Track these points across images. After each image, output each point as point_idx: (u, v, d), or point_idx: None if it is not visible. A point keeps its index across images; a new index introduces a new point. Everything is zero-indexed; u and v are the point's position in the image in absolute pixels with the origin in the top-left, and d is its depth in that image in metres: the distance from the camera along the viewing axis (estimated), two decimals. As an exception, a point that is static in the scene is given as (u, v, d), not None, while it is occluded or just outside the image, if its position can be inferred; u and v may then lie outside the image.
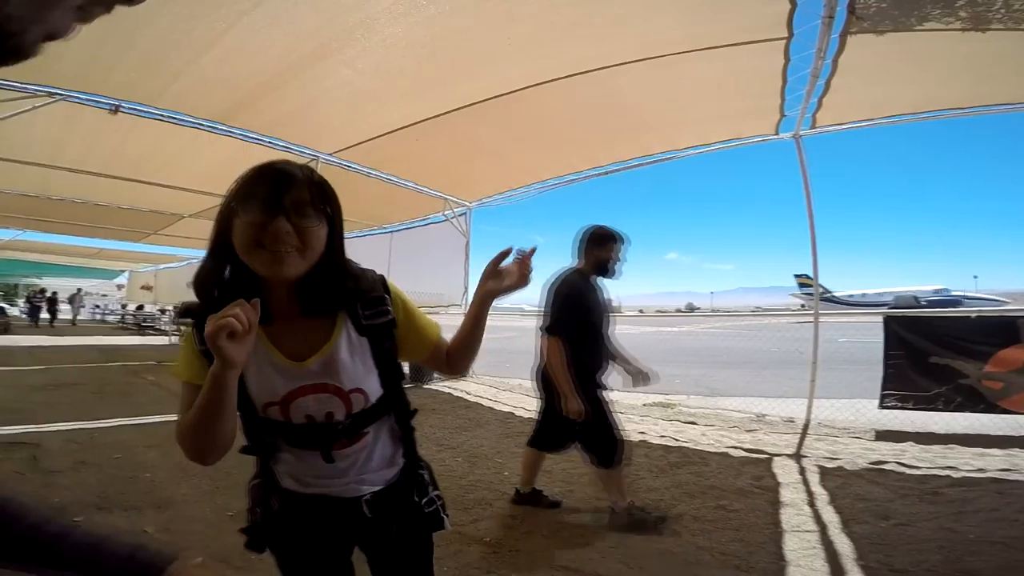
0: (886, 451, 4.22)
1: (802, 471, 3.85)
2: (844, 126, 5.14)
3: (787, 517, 3.06)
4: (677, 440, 4.76)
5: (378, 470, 1.09)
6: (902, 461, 3.97)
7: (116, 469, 3.70)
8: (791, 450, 4.35)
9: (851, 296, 49.24)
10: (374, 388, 1.04)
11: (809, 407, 5.10)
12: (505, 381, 7.86)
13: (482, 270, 1.11)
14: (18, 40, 0.34)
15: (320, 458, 1.03)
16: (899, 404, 4.64)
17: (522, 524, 3.01)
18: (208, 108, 5.05)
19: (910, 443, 4.39)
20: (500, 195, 8.37)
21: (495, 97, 4.69)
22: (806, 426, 4.97)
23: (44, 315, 22.49)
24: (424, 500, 1.14)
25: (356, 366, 1.01)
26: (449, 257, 9.06)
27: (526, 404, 6.50)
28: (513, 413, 5.99)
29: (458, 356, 1.15)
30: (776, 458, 4.15)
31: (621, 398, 6.80)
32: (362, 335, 1.03)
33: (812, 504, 3.24)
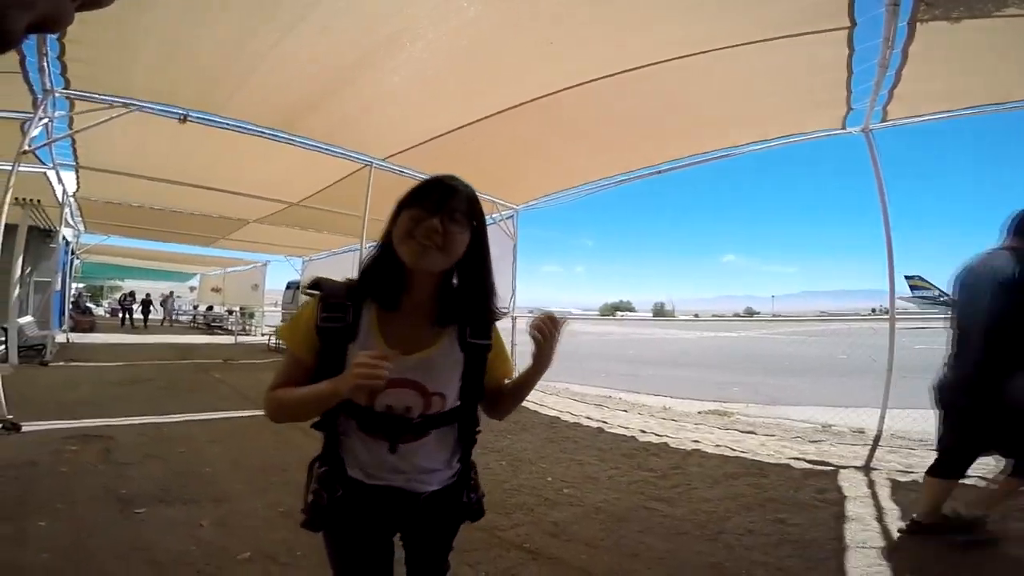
0: (966, 464, 3.86)
1: (871, 484, 3.59)
2: (920, 118, 4.77)
3: (852, 532, 2.85)
4: (734, 450, 4.54)
5: (436, 470, 1.17)
6: (985, 476, 3.61)
7: (179, 463, 3.88)
8: (860, 462, 4.06)
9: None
10: (453, 397, 1.15)
11: (882, 417, 4.72)
12: (551, 385, 7.79)
13: (530, 325, 1.13)
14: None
15: (386, 448, 1.11)
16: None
17: (563, 532, 2.93)
18: (269, 117, 5.31)
19: (995, 456, 3.98)
20: (548, 197, 8.32)
21: (541, 97, 4.66)
22: (878, 437, 4.61)
23: (138, 316, 23.71)
24: (473, 498, 1.26)
25: (446, 374, 1.13)
26: (497, 259, 9.05)
27: (572, 408, 6.41)
28: (559, 418, 5.91)
29: (504, 405, 1.27)
30: (843, 470, 3.88)
31: (673, 405, 6.60)
32: (462, 351, 1.15)
33: (881, 519, 3.01)
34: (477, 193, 1.15)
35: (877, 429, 4.71)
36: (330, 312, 1.09)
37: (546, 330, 1.09)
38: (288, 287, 18.55)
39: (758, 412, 6.11)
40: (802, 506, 3.24)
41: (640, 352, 13.55)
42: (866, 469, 3.90)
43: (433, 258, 1.05)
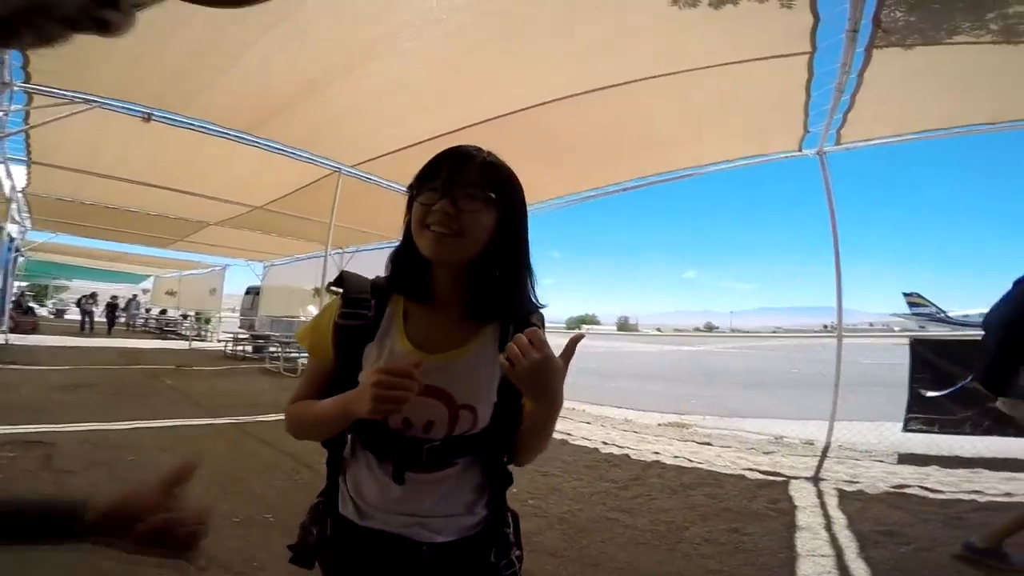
0: (909, 475, 4.10)
1: (820, 494, 3.74)
2: (871, 142, 5.02)
3: (803, 541, 2.96)
4: (692, 461, 4.66)
5: (451, 515, 0.92)
6: (925, 485, 3.84)
7: (127, 471, 3.71)
8: (809, 473, 4.23)
9: (967, 317, 39.67)
10: (485, 415, 0.91)
11: (830, 429, 4.96)
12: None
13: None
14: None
15: (391, 476, 0.90)
16: (924, 428, 4.50)
17: (528, 543, 2.93)
18: (236, 119, 5.20)
19: (934, 467, 4.25)
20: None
21: (512, 113, 4.73)
22: (826, 448, 4.83)
23: (100, 319, 21.49)
24: (503, 562, 0.96)
25: (478, 382, 0.91)
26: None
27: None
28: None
29: (519, 447, 0.97)
30: (793, 481, 4.03)
31: (634, 417, 6.72)
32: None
33: (829, 528, 3.14)
34: (500, 159, 0.96)
35: (826, 441, 4.93)
36: (350, 308, 0.94)
37: (518, 355, 0.79)
38: (248, 292, 18.01)
39: (715, 424, 6.28)
40: (756, 516, 3.35)
41: (603, 365, 13.73)
42: (815, 480, 4.06)
43: (450, 247, 0.87)
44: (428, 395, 0.88)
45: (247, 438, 4.90)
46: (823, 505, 3.52)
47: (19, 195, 8.86)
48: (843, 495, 3.70)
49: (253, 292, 17.28)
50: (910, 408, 4.57)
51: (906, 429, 4.57)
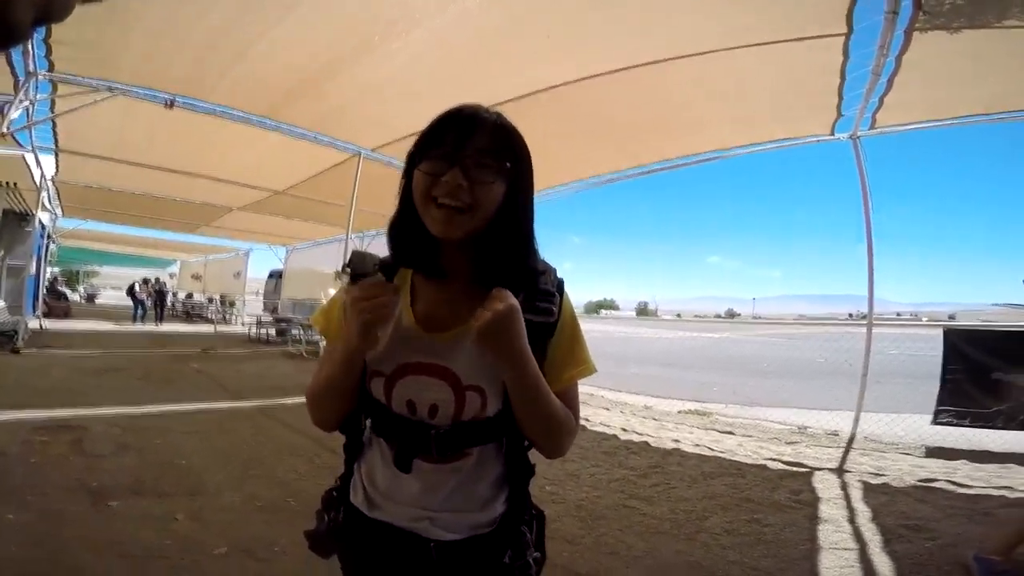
0: (936, 468, 3.99)
1: (844, 486, 3.67)
2: (908, 127, 4.82)
3: (825, 534, 2.91)
4: (713, 450, 4.60)
5: (465, 511, 0.86)
6: (953, 479, 3.74)
7: (154, 455, 3.80)
8: (833, 464, 4.15)
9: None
10: (495, 398, 0.83)
11: (856, 420, 4.84)
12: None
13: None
14: (6, 15, 0.31)
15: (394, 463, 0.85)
16: (954, 420, 4.36)
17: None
18: (256, 103, 5.22)
19: (963, 461, 4.14)
20: (538, 193, 8.28)
21: (532, 94, 4.65)
22: (851, 440, 4.73)
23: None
24: (519, 563, 0.87)
25: (486, 361, 0.81)
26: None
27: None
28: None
29: (524, 429, 0.87)
30: (817, 472, 3.96)
31: (654, 404, 6.67)
32: None
33: (853, 521, 3.08)
34: (508, 120, 0.87)
35: (851, 432, 4.82)
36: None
37: (481, 312, 0.77)
38: (270, 276, 18.27)
39: (737, 413, 6.21)
40: (777, 507, 3.31)
41: (622, 350, 13.65)
42: (839, 471, 3.99)
43: (462, 223, 0.80)
44: (431, 374, 0.83)
45: (270, 421, 4.99)
46: (847, 497, 3.46)
47: (49, 183, 9.08)
48: (868, 488, 3.62)
49: (276, 276, 17.54)
50: (941, 400, 4.43)
51: (936, 422, 4.44)
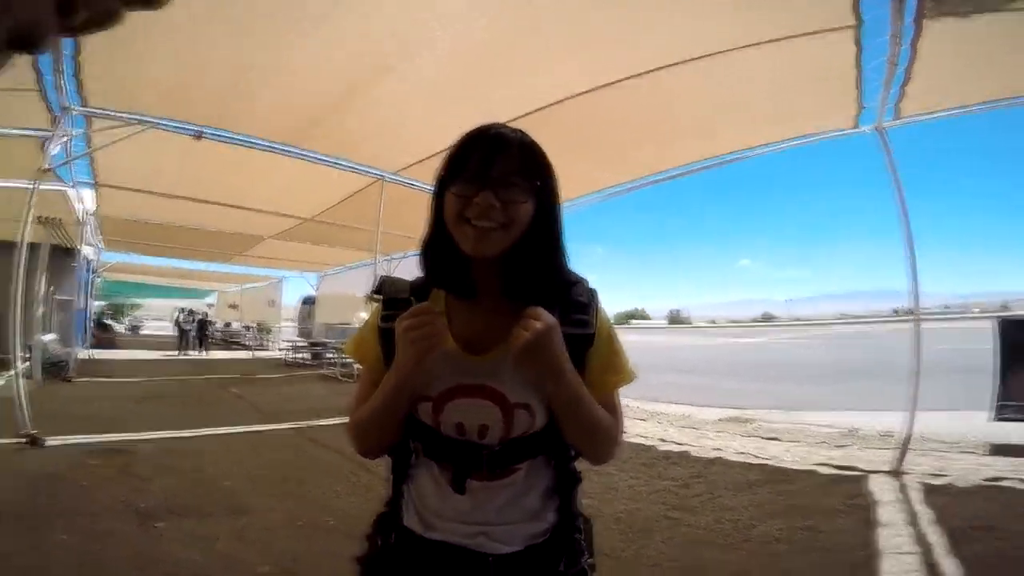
0: (1003, 467, 3.76)
1: (903, 489, 3.49)
2: (935, 115, 4.61)
3: (885, 538, 2.76)
4: (758, 457, 4.44)
5: (518, 522, 0.87)
6: None
7: (197, 476, 3.87)
8: (889, 466, 3.94)
9: None
10: (542, 412, 0.85)
11: (910, 420, 4.55)
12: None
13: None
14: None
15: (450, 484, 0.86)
16: (1019, 416, 4.10)
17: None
18: (279, 132, 5.37)
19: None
20: (569, 201, 8.28)
21: (547, 107, 4.65)
22: (906, 440, 4.45)
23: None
24: (574, 570, 0.89)
25: (529, 376, 0.83)
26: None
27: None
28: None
29: (574, 444, 0.90)
30: (872, 475, 3.77)
31: (692, 413, 6.49)
32: None
33: (914, 524, 2.92)
34: (536, 145, 0.88)
35: (906, 432, 4.55)
36: (391, 310, 0.89)
37: (519, 332, 0.79)
38: (304, 302, 18.67)
39: (780, 418, 5.97)
40: (831, 512, 3.14)
41: (656, 360, 13.39)
42: (896, 473, 3.79)
43: (495, 241, 0.82)
44: (478, 396, 0.84)
45: (308, 442, 5.04)
46: (907, 500, 3.27)
47: (90, 218, 9.48)
48: (929, 489, 3.43)
49: (309, 302, 17.90)
50: (1002, 395, 4.17)
51: (998, 417, 4.18)
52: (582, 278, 0.93)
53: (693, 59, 3.96)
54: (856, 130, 4.96)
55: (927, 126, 4.79)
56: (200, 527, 2.94)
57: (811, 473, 3.91)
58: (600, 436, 0.87)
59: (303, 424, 5.77)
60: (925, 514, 3.02)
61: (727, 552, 2.72)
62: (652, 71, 4.15)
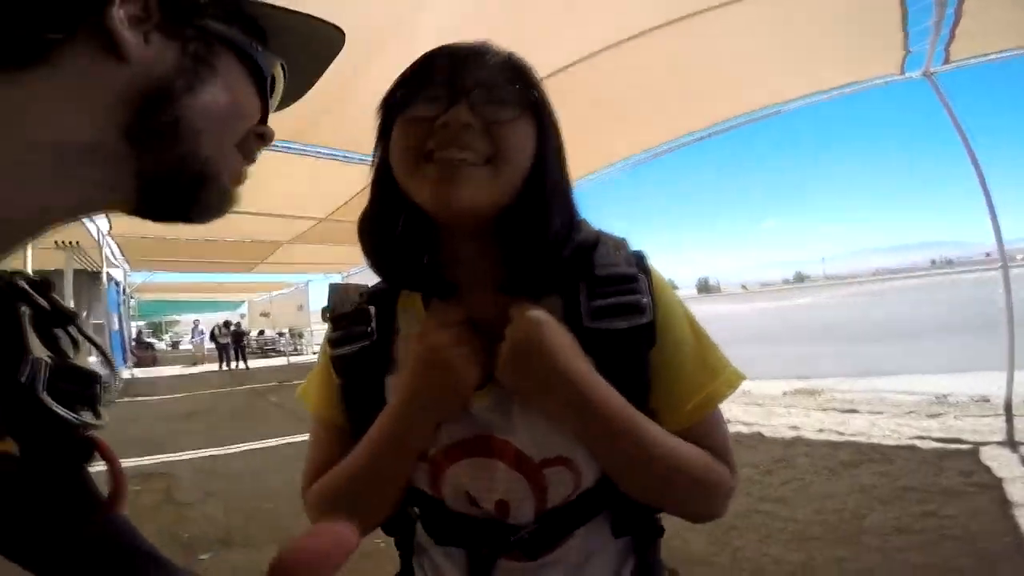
0: None
1: (1024, 462, 3.05)
2: (987, 57, 4.27)
3: (1025, 521, 2.36)
4: (841, 433, 4.03)
5: None
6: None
7: (240, 500, 3.74)
8: (1000, 436, 3.50)
9: None
10: (591, 461, 0.55)
11: (1009, 381, 4.04)
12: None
13: None
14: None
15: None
16: None
17: (663, 548, 2.54)
18: (283, 128, 5.07)
19: None
20: (576, 181, 7.86)
21: (562, 69, 4.22)
22: (1009, 405, 3.96)
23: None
24: None
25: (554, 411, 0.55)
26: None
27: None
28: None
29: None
30: (983, 448, 3.34)
31: (751, 388, 6.07)
32: (584, 349, 0.54)
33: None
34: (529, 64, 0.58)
35: (1006, 396, 4.05)
36: (340, 330, 0.61)
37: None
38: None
39: (852, 386, 5.49)
40: (951, 494, 2.75)
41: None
42: (1011, 444, 3.36)
43: (476, 182, 0.51)
44: (484, 453, 0.55)
45: (351, 450, 4.85)
46: (1034, 474, 2.85)
47: (108, 238, 9.45)
48: (1060, 460, 3.00)
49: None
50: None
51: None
52: (615, 236, 0.62)
53: (716, 7, 3.54)
54: (903, 76, 4.58)
55: (980, 69, 4.37)
56: (245, 559, 2.76)
57: (911, 449, 3.50)
58: (683, 485, 0.55)
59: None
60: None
61: (839, 548, 2.38)
62: (679, 20, 3.72)
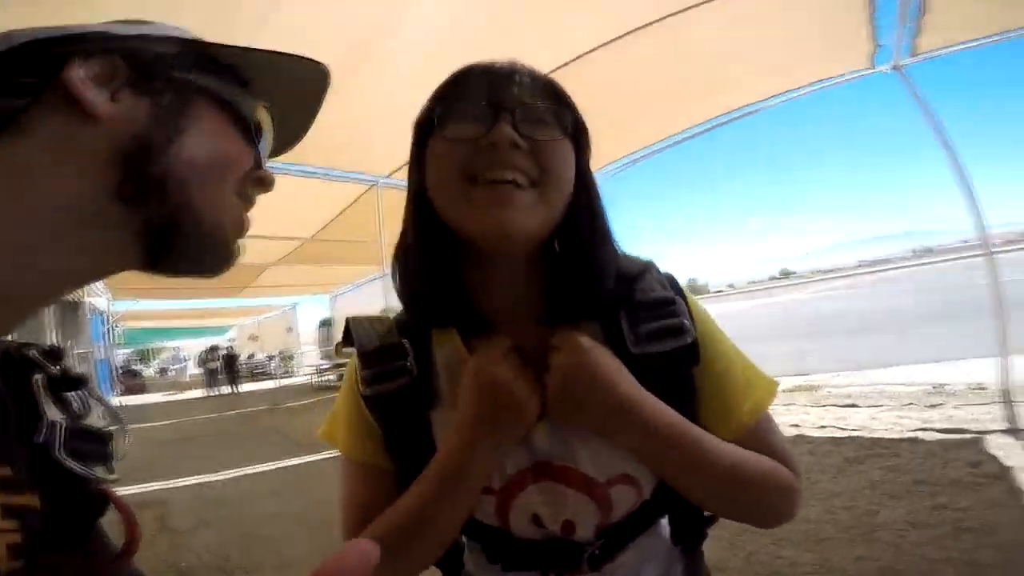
0: None
1: (1031, 448, 3.04)
2: (954, 48, 4.31)
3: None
4: (843, 428, 4.01)
5: None
6: None
7: (236, 525, 3.65)
8: (1002, 424, 3.50)
9: None
10: (649, 475, 0.56)
11: (1004, 368, 4.03)
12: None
13: None
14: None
15: None
16: None
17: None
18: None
19: None
20: None
21: (554, 71, 4.23)
22: (1006, 392, 3.94)
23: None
24: None
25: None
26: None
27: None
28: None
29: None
30: (987, 436, 3.33)
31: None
32: (631, 370, 0.54)
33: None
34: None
35: (1002, 383, 4.04)
36: (375, 367, 0.58)
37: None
38: (321, 325, 18.63)
39: (848, 380, 5.52)
40: (961, 485, 2.72)
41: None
42: (1015, 431, 3.35)
43: (527, 207, 0.50)
44: (552, 478, 0.56)
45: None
46: (1044, 461, 2.83)
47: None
48: (1065, 444, 3.00)
49: (326, 324, 17.82)
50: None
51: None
52: (648, 261, 0.62)
53: (690, 7, 3.57)
54: (873, 70, 4.64)
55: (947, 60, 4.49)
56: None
57: (914, 441, 3.47)
58: (743, 489, 0.55)
59: (337, 452, 5.50)
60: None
61: (855, 546, 2.34)
62: (648, 25, 3.75)
